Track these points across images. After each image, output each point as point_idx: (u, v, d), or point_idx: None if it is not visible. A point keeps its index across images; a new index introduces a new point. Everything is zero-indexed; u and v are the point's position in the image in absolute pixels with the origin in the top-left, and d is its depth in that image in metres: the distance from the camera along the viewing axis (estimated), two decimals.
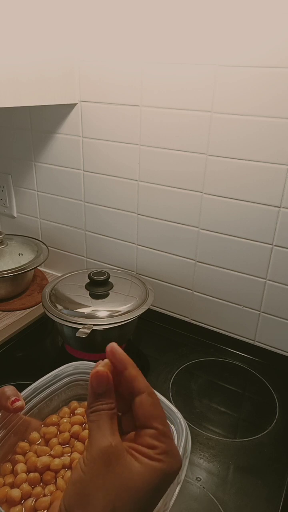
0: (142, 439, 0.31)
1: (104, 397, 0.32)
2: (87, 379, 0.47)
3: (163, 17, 0.73)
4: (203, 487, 0.58)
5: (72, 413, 0.47)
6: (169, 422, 0.41)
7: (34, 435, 0.43)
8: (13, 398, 0.40)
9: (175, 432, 0.41)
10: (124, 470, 0.29)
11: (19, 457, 0.41)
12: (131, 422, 0.33)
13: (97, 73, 0.84)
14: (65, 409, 0.47)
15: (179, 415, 0.42)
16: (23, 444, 0.42)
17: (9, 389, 0.41)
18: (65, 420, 0.45)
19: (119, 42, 0.79)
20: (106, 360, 0.33)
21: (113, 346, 0.33)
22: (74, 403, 0.48)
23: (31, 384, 0.46)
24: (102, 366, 0.33)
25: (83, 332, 0.71)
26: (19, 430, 0.42)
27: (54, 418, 0.45)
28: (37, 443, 0.42)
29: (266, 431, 0.68)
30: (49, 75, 0.81)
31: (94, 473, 0.29)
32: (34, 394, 0.45)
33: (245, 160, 0.75)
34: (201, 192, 0.82)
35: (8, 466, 0.40)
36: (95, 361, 0.48)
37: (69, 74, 0.85)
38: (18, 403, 0.40)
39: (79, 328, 0.72)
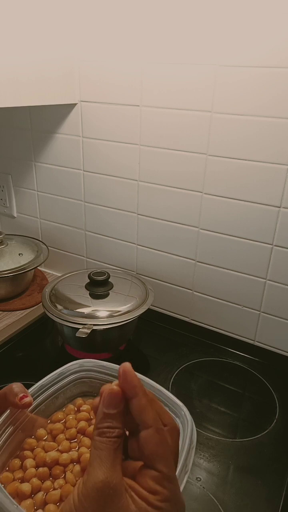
0: (144, 481, 0.28)
1: (113, 418, 0.30)
2: (92, 376, 0.47)
3: (163, 17, 0.73)
4: (203, 487, 0.58)
5: (78, 410, 0.47)
6: (174, 416, 0.41)
7: (41, 431, 0.44)
8: (21, 395, 0.40)
9: (180, 425, 0.41)
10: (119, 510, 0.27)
11: (27, 453, 0.41)
12: (138, 446, 0.30)
13: (97, 73, 0.84)
14: (70, 406, 0.48)
15: (184, 408, 0.42)
16: (31, 441, 0.42)
17: (16, 386, 0.41)
18: (71, 417, 0.46)
19: (119, 42, 0.79)
20: (116, 387, 0.30)
21: (126, 368, 0.30)
22: (79, 400, 0.48)
23: (31, 384, 0.47)
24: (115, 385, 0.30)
25: (83, 332, 0.71)
26: (26, 427, 0.43)
27: (60, 415, 0.46)
28: (44, 439, 0.43)
29: (266, 431, 0.68)
30: (49, 75, 0.81)
31: None
32: (41, 391, 0.46)
33: (245, 160, 0.75)
34: (201, 192, 0.82)
35: (17, 461, 0.41)
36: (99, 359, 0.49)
37: (69, 74, 0.85)
38: (26, 399, 0.40)
39: (79, 328, 0.72)
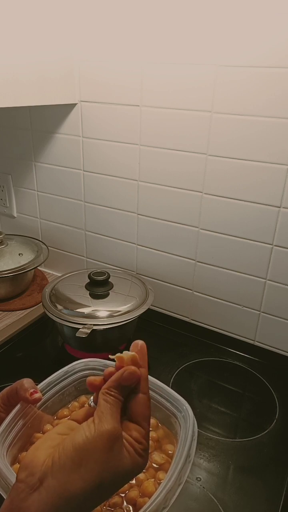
0: (132, 432, 0.35)
1: (124, 389, 0.36)
2: (96, 375, 0.51)
3: (163, 17, 0.73)
4: (203, 487, 0.58)
5: (82, 407, 0.49)
6: (176, 411, 0.46)
7: (48, 427, 0.46)
8: (31, 390, 0.42)
9: (182, 419, 0.45)
10: (119, 455, 0.33)
11: None
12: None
13: (97, 73, 0.84)
14: (75, 403, 0.50)
15: (185, 403, 0.45)
16: (39, 435, 0.45)
17: (27, 382, 0.43)
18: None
19: (119, 42, 0.79)
20: (133, 354, 0.37)
21: (143, 344, 0.37)
22: (83, 398, 0.50)
23: None
24: (129, 356, 0.37)
25: (83, 332, 0.71)
26: (34, 422, 0.45)
27: (65, 411, 0.49)
28: None
29: (266, 431, 0.68)
30: (49, 75, 0.81)
31: (98, 448, 0.32)
32: (48, 388, 0.48)
33: (245, 160, 0.75)
34: (201, 192, 0.82)
35: None
36: (104, 359, 0.50)
37: (69, 74, 0.85)
38: (37, 395, 0.42)
39: (79, 328, 0.72)
